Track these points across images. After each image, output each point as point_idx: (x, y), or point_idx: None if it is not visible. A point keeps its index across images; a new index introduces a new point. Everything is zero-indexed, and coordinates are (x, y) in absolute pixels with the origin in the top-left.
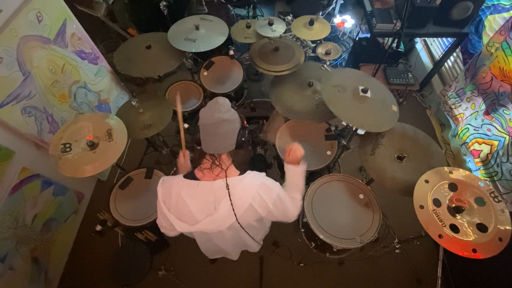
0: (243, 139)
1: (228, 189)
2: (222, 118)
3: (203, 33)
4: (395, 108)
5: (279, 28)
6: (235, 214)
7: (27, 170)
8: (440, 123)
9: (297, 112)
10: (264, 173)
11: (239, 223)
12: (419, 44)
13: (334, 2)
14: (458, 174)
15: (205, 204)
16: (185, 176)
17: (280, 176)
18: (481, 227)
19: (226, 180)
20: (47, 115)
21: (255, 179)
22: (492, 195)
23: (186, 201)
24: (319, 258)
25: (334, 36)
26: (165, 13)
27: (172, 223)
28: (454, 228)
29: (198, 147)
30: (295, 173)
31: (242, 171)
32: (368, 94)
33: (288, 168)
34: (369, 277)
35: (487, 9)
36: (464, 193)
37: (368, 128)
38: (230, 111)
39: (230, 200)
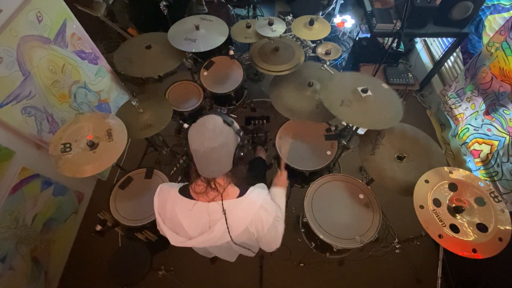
0: (241, 154)
1: (224, 214)
2: (213, 146)
3: (203, 33)
4: (385, 86)
5: (279, 28)
6: (230, 236)
7: (27, 170)
8: (440, 123)
9: (297, 112)
10: (266, 192)
11: (234, 242)
12: (419, 44)
13: (334, 2)
14: (458, 174)
15: (199, 223)
16: (181, 191)
17: None
18: (481, 227)
19: (223, 204)
20: (47, 115)
21: (255, 201)
22: (492, 195)
23: (180, 218)
24: (319, 258)
25: (334, 36)
26: (165, 13)
27: (166, 235)
28: (454, 228)
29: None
30: (282, 194)
31: (243, 186)
32: (370, 93)
33: (276, 189)
34: (369, 277)
35: (487, 9)
36: (464, 193)
37: (395, 121)
38: (223, 133)
39: (226, 224)
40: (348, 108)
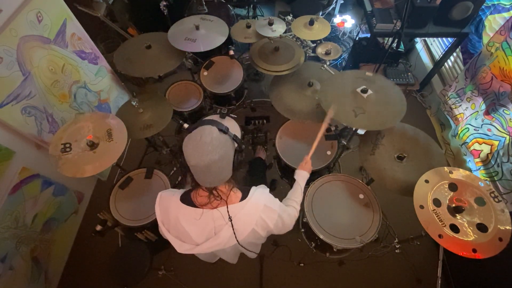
0: (241, 159)
1: (230, 219)
2: (214, 160)
3: (203, 33)
4: (369, 73)
5: (279, 28)
6: (237, 239)
7: (27, 170)
8: (440, 123)
9: (297, 112)
10: (267, 190)
11: (240, 245)
12: (419, 44)
13: (334, 2)
14: (458, 174)
15: (205, 230)
16: (183, 199)
17: (280, 176)
18: (481, 227)
19: (228, 210)
20: (47, 115)
21: (258, 202)
22: (492, 195)
23: (185, 226)
24: (319, 258)
25: (334, 36)
26: (165, 13)
27: (172, 244)
28: (454, 228)
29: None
30: (305, 180)
31: (244, 187)
32: (370, 91)
33: (301, 173)
34: (369, 277)
35: (487, 9)
36: (464, 193)
37: (403, 108)
38: (220, 144)
39: (233, 229)
40: (363, 115)
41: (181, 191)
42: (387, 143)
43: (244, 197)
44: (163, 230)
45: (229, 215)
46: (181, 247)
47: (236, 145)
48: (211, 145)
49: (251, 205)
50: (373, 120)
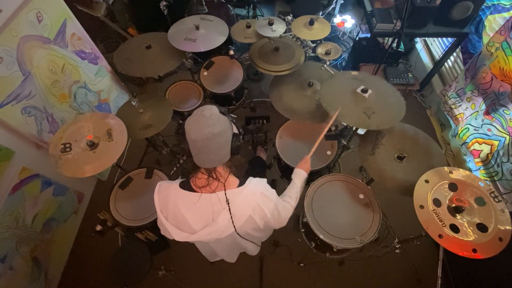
0: (238, 143)
1: (228, 203)
2: (212, 133)
3: (203, 33)
4: (354, 73)
5: (279, 28)
6: (234, 226)
7: (27, 170)
8: (440, 123)
9: (297, 112)
10: (265, 180)
11: (238, 233)
12: (419, 44)
13: (334, 2)
14: (458, 174)
15: (203, 215)
16: (182, 186)
17: (280, 176)
18: (481, 227)
19: (226, 194)
20: (47, 115)
21: (255, 189)
22: (492, 195)
23: (183, 212)
24: (319, 258)
25: (334, 36)
26: (165, 13)
27: (169, 232)
28: (454, 228)
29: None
30: (302, 179)
31: (241, 177)
32: (370, 91)
33: (298, 172)
34: (369, 277)
35: (487, 9)
36: (464, 193)
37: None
38: (220, 121)
39: (230, 213)
40: (375, 114)
41: (179, 180)
42: (387, 143)
43: (241, 184)
44: (161, 218)
45: (226, 198)
46: (179, 235)
47: (234, 129)
48: (211, 119)
49: (249, 192)
50: (386, 117)
